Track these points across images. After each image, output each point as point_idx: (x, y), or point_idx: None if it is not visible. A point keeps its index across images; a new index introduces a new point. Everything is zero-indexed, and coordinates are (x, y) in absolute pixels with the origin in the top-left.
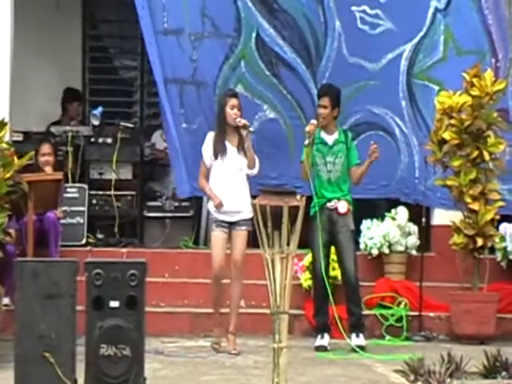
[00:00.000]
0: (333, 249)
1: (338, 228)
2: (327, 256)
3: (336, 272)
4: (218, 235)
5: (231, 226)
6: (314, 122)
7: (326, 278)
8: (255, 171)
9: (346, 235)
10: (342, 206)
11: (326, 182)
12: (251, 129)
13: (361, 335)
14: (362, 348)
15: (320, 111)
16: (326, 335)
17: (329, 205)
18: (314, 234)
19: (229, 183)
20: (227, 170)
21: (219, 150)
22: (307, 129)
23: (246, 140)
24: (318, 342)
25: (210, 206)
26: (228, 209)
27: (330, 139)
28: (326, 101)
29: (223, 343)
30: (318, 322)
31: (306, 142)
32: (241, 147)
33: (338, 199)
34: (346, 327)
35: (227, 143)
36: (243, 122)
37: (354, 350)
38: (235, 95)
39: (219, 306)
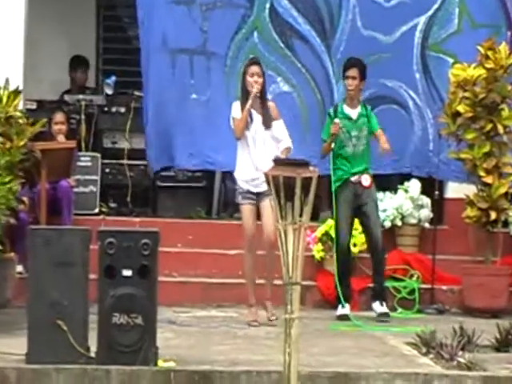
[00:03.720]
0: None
1: (362, 200)
2: (351, 229)
3: (355, 248)
4: (247, 207)
5: (258, 197)
6: (337, 121)
7: (350, 250)
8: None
9: (371, 206)
10: (365, 179)
11: (351, 156)
12: (258, 94)
13: (384, 304)
14: (386, 315)
15: (349, 82)
16: (348, 305)
17: (352, 179)
18: (339, 207)
19: (255, 152)
20: (253, 139)
21: None
22: (332, 130)
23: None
24: (340, 310)
25: (237, 175)
26: (252, 179)
27: (354, 113)
28: (354, 72)
29: (259, 318)
30: (340, 292)
31: (332, 144)
32: (267, 116)
33: (362, 173)
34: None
35: (253, 111)
36: (254, 90)
37: (380, 317)
38: (255, 62)
39: (254, 276)
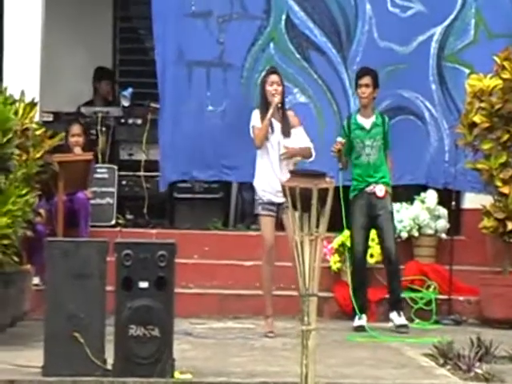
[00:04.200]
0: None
1: (377, 211)
2: (366, 239)
3: (372, 259)
4: (266, 219)
5: (278, 208)
6: (339, 139)
7: (365, 261)
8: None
9: (385, 217)
10: (380, 190)
11: (366, 166)
12: (279, 105)
13: (402, 314)
14: (405, 326)
15: (362, 90)
16: (364, 316)
17: (367, 189)
18: (354, 217)
19: (276, 161)
20: (273, 148)
21: None
22: (332, 148)
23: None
24: (357, 322)
25: (257, 185)
26: (273, 189)
27: (367, 123)
28: (368, 79)
29: (274, 328)
30: (356, 303)
31: (340, 165)
32: (286, 124)
33: (376, 183)
34: (386, 307)
35: (273, 120)
36: (276, 100)
37: (398, 328)
38: (275, 72)
39: (271, 287)
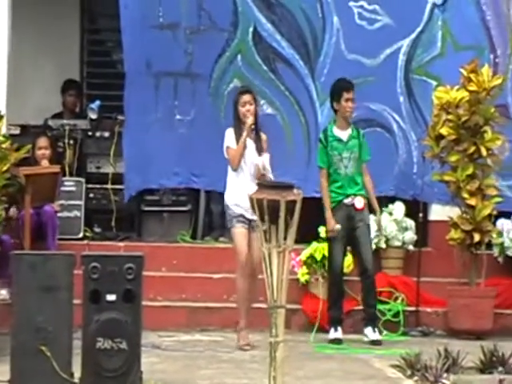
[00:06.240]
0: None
1: (355, 223)
2: (344, 251)
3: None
4: (239, 231)
5: (250, 223)
6: (337, 227)
7: (342, 273)
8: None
9: (363, 230)
10: (359, 201)
11: (344, 178)
12: (253, 126)
13: (376, 330)
14: (379, 342)
15: (349, 104)
16: (340, 328)
17: (346, 201)
18: None
19: (248, 179)
20: (247, 166)
21: None
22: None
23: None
24: (333, 334)
25: (229, 200)
26: (246, 205)
27: (344, 135)
28: (353, 94)
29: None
30: (332, 315)
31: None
32: (259, 142)
33: (355, 195)
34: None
35: (247, 139)
36: (249, 121)
37: (372, 344)
38: (247, 91)
39: (245, 300)
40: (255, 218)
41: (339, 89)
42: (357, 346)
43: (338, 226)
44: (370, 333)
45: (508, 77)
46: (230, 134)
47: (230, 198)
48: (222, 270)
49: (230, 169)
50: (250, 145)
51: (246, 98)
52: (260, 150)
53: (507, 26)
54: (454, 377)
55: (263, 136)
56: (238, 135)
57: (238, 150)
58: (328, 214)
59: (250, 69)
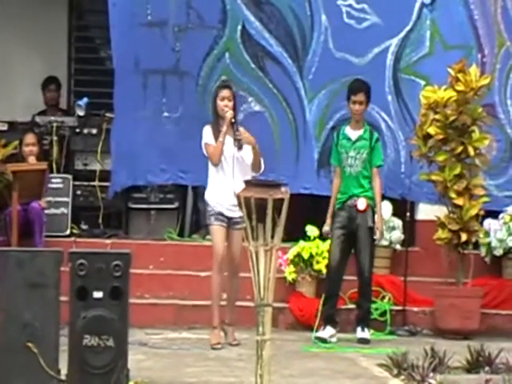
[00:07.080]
0: None
1: (356, 225)
2: (343, 251)
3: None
4: (218, 229)
5: (229, 221)
6: (325, 229)
7: (340, 272)
8: (260, 171)
9: (363, 231)
10: (361, 203)
11: (348, 177)
12: (233, 120)
13: (366, 329)
14: (366, 341)
15: (356, 107)
16: (329, 328)
17: (349, 202)
18: (334, 228)
19: (230, 175)
20: (228, 162)
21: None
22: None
23: (245, 138)
24: (320, 333)
25: (210, 197)
26: (226, 202)
27: (353, 135)
28: (362, 97)
29: (222, 340)
30: (323, 313)
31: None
32: (238, 137)
33: (358, 196)
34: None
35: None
36: (228, 115)
37: (359, 341)
38: (226, 86)
39: (220, 297)
40: (236, 215)
41: (348, 91)
42: (344, 345)
43: (327, 228)
44: (359, 331)
45: (495, 76)
46: (207, 130)
47: (210, 196)
48: (210, 267)
49: (210, 166)
50: (229, 141)
51: (225, 93)
52: (240, 145)
53: (494, 25)
54: (440, 376)
55: (245, 132)
56: (216, 130)
57: (218, 145)
58: (328, 213)
59: (238, 66)
